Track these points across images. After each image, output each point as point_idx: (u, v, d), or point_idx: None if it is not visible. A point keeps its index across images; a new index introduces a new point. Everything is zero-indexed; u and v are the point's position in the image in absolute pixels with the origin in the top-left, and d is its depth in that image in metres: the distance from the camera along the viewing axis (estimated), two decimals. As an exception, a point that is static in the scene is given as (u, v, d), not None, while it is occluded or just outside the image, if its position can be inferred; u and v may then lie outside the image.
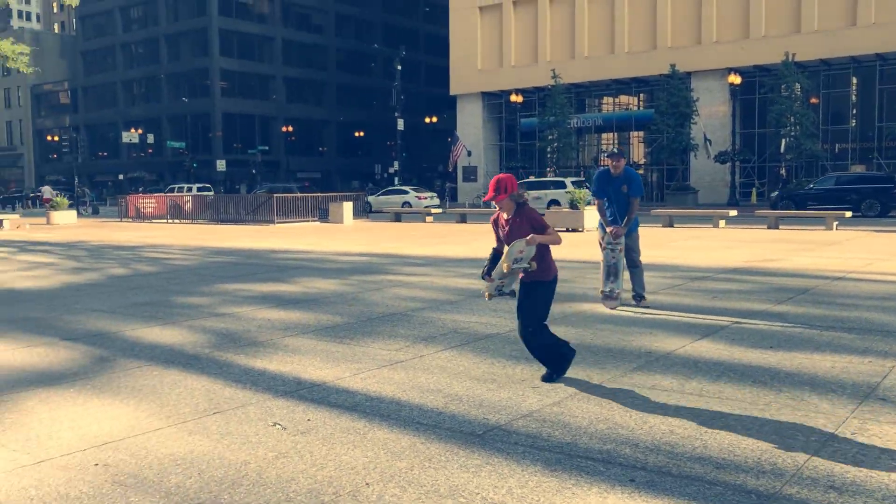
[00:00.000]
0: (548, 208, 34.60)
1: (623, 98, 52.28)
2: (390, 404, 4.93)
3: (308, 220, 30.02)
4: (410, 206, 38.89)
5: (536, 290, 5.31)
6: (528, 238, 5.09)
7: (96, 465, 3.94)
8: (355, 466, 3.85)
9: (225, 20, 68.75)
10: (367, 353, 6.40)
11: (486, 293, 5.41)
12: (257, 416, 4.71)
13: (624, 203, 8.37)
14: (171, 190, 50.53)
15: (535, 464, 3.84)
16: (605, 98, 52.79)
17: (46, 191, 50.39)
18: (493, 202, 5.22)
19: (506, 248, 5.20)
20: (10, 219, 31.10)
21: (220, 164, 63.18)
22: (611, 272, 8.33)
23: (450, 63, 54.18)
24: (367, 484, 3.62)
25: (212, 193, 42.76)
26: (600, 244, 8.62)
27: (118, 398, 5.17)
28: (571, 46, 48.50)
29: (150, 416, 4.77)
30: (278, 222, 29.06)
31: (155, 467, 3.89)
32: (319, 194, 32.79)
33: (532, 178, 41.51)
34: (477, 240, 18.99)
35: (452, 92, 54.04)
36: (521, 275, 5.29)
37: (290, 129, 72.46)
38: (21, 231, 27.29)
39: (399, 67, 53.85)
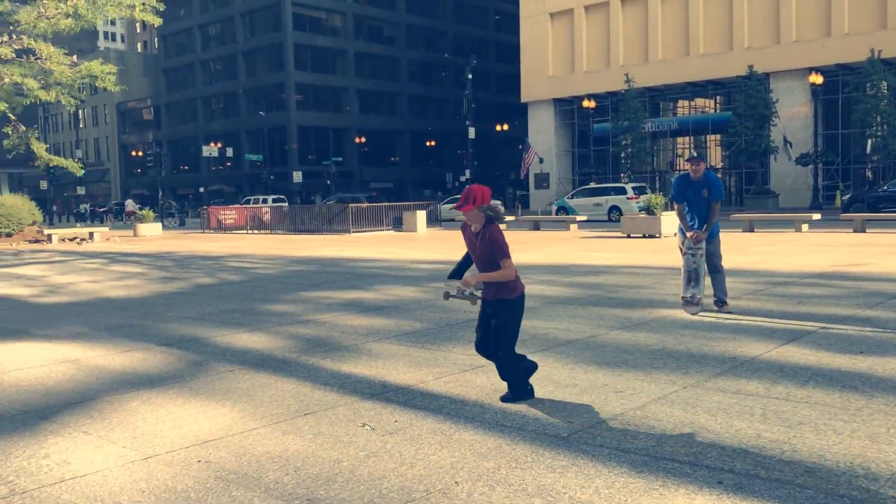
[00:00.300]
0: (609, 215, 34.34)
1: (699, 101, 51.35)
2: (474, 407, 5.03)
3: (382, 230, 30.47)
4: None
5: (503, 309, 4.99)
6: (476, 277, 4.88)
7: (199, 461, 4.16)
8: (444, 466, 3.96)
9: (299, 35, 70.50)
10: (449, 358, 6.51)
11: (445, 292, 5.08)
12: (346, 418, 4.88)
13: (704, 207, 8.28)
14: (247, 201, 51.98)
15: (620, 465, 3.88)
16: (680, 101, 51.94)
17: (129, 204, 52.62)
18: (461, 211, 4.91)
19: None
20: (101, 231, 32.56)
21: (297, 176, 64.67)
22: (691, 277, 8.25)
23: (521, 70, 54.22)
24: (456, 483, 3.73)
25: (286, 204, 43.82)
26: (681, 249, 8.54)
27: (214, 399, 5.42)
28: (645, 50, 47.92)
29: (245, 416, 4.99)
30: (354, 232, 29.59)
31: (253, 464, 4.08)
32: (393, 204, 33.22)
33: (592, 185, 40.96)
34: (552, 246, 18.97)
35: (523, 99, 54.06)
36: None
37: (363, 139, 73.67)
38: (110, 243, 28.54)
39: (470, 76, 54.16)
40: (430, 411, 4.97)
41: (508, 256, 4.88)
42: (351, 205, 31.75)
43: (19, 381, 6.17)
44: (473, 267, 5.16)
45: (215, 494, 3.68)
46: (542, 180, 52.89)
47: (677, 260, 8.87)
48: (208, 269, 16.33)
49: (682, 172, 8.62)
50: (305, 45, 71.01)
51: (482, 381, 5.71)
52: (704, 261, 8.29)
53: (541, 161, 50.57)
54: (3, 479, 3.96)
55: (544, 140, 52.59)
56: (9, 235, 30.73)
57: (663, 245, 18.38)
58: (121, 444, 4.47)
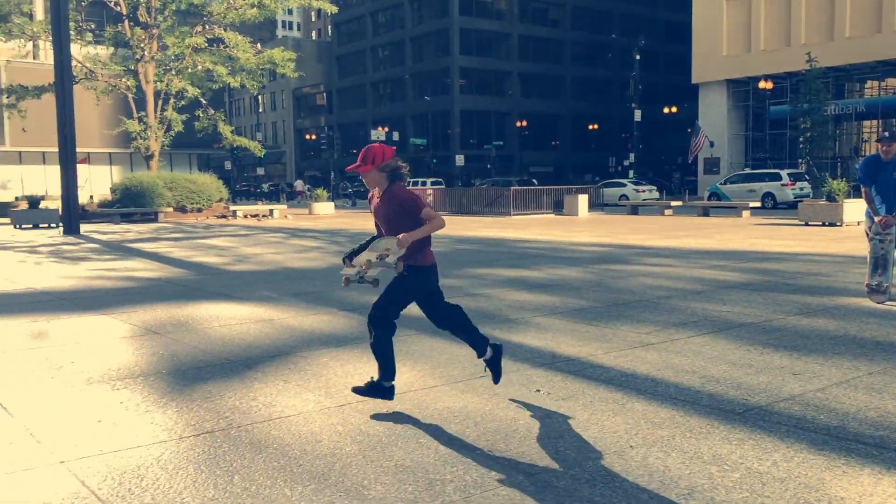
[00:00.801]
0: (762, 202, 32.53)
1: (891, 81, 47.31)
2: (645, 381, 5.09)
3: (543, 213, 30.53)
4: (627, 198, 38.60)
5: (409, 274, 4.38)
6: (399, 238, 4.19)
7: (386, 411, 4.51)
8: (617, 431, 4.09)
9: (465, 19, 71.40)
10: (617, 335, 6.58)
11: (344, 278, 4.42)
12: (519, 382, 5.09)
13: (894, 191, 7.78)
14: (406, 184, 53.50)
15: (799, 442, 3.84)
16: (869, 82, 48.07)
17: (299, 184, 55.80)
18: (360, 174, 4.42)
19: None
20: (279, 209, 34.76)
21: (459, 160, 65.77)
22: (879, 264, 7.80)
23: (692, 50, 52.17)
24: (630, 446, 3.84)
25: (443, 187, 44.77)
26: (867, 234, 8.08)
27: (395, 359, 5.79)
28: (830, 26, 44.71)
29: (425, 375, 5.33)
30: (514, 214, 29.85)
31: (436, 417, 4.38)
32: (554, 187, 33.14)
33: (747, 171, 38.92)
34: (722, 233, 18.33)
35: (694, 80, 52.01)
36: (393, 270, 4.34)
37: (524, 123, 73.67)
38: (287, 220, 30.42)
39: (638, 57, 52.78)
40: (601, 381, 5.09)
41: (427, 206, 4.31)
42: (513, 188, 32.01)
43: (223, 336, 6.87)
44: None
45: (403, 440, 4.00)
46: (712, 165, 50.78)
47: (861, 248, 8.41)
48: (378, 245, 17.10)
49: (870, 154, 8.12)
50: (470, 29, 71.84)
51: (653, 357, 5.74)
52: (894, 247, 7.81)
53: (711, 145, 48.53)
54: (221, 415, 4.50)
55: (715, 123, 50.40)
56: (199, 210, 33.48)
57: (845, 233, 17.29)
58: (316, 393, 4.92)
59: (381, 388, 4.50)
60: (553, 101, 76.20)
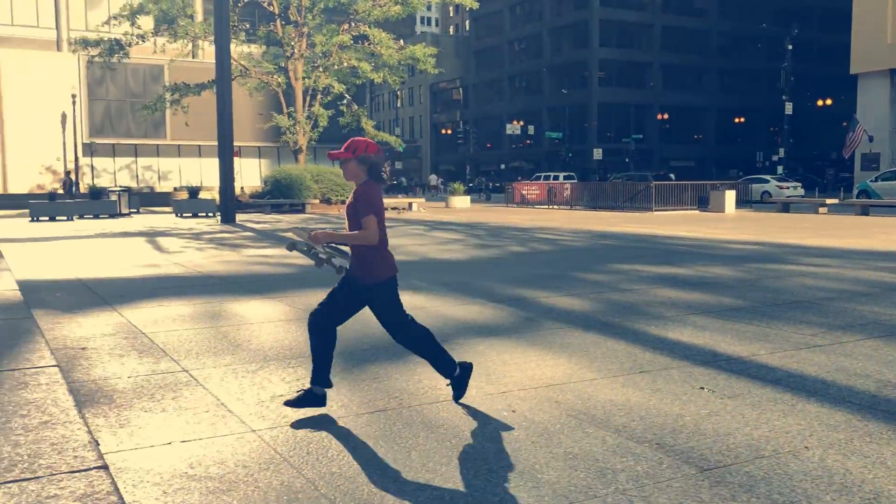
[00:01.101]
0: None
1: None
2: (815, 383, 4.92)
3: (686, 209, 29.64)
4: (770, 195, 36.62)
5: (375, 297, 4.33)
6: (327, 233, 4.21)
7: (548, 400, 4.60)
8: (790, 431, 3.99)
9: (605, 10, 70.13)
10: (780, 335, 6.36)
11: (290, 241, 4.41)
12: (681, 379, 5.04)
13: None
14: (538, 178, 53.19)
15: None
16: None
17: (432, 179, 56.75)
18: (340, 161, 4.28)
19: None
20: (417, 202, 35.54)
21: (597, 153, 64.77)
22: None
23: (852, 38, 48.94)
24: (805, 447, 3.74)
25: (574, 181, 44.26)
26: None
27: (550, 351, 5.87)
28: None
29: (582, 368, 5.37)
30: (656, 210, 29.14)
31: (599, 408, 4.43)
32: (698, 182, 32.07)
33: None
34: (887, 233, 17.21)
35: (853, 70, 48.77)
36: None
37: (665, 116, 71.57)
38: (425, 213, 31.06)
39: (790, 47, 50.11)
40: (767, 382, 4.95)
41: (374, 214, 4.12)
42: (653, 182, 31.26)
43: (381, 322, 7.16)
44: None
45: (570, 429, 4.08)
46: (871, 161, 47.45)
47: None
48: (519, 239, 17.21)
49: None
50: (611, 20, 70.49)
51: (820, 359, 5.52)
52: None
53: (870, 139, 45.36)
54: (391, 395, 4.73)
55: (877, 116, 47.05)
56: (343, 202, 34.73)
57: None
58: (477, 379, 5.07)
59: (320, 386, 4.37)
60: (697, 93, 73.58)
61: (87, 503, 2.95)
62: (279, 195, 33.41)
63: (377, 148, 4.30)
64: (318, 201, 34.27)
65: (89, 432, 3.79)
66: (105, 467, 3.35)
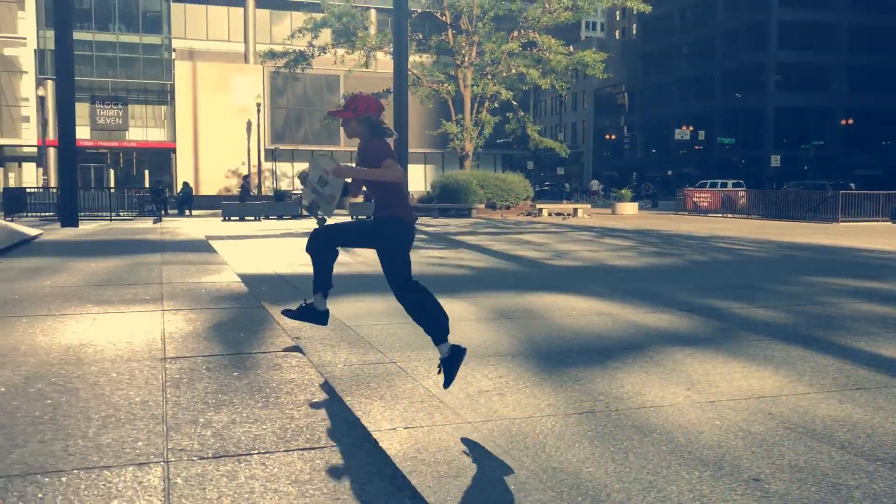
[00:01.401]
0: None
1: None
2: None
3: (875, 220, 27.57)
4: None
5: (382, 232, 4.24)
6: (337, 165, 4.16)
7: (761, 412, 4.48)
8: None
9: (785, 11, 66.44)
10: None
11: (303, 172, 4.43)
12: (905, 398, 4.76)
13: None
14: (703, 185, 51.00)
15: None
16: None
17: (594, 184, 55.97)
18: (340, 120, 4.19)
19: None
20: (582, 208, 35.23)
21: (774, 160, 61.29)
22: None
23: None
24: None
25: (744, 189, 42.09)
26: None
27: (754, 363, 5.70)
28: None
29: (791, 381, 5.18)
30: (842, 221, 27.29)
31: (818, 423, 4.27)
32: (893, 192, 29.69)
33: None
34: None
35: None
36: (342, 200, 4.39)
37: (850, 121, 66.74)
38: (590, 219, 30.73)
39: None
40: None
41: (392, 157, 4.08)
42: (841, 192, 29.29)
43: (570, 325, 7.22)
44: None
45: (790, 441, 3.96)
46: None
47: None
48: (696, 247, 16.69)
49: None
50: (791, 21, 66.64)
51: None
52: None
53: None
54: (595, 398, 4.78)
55: None
56: (507, 208, 35.05)
57: None
58: (681, 387, 5.02)
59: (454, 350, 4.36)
60: (889, 96, 67.98)
61: (372, 476, 3.19)
62: (446, 200, 34.19)
63: (378, 105, 4.28)
64: (483, 206, 34.75)
65: (351, 412, 4.08)
66: (376, 443, 3.58)
